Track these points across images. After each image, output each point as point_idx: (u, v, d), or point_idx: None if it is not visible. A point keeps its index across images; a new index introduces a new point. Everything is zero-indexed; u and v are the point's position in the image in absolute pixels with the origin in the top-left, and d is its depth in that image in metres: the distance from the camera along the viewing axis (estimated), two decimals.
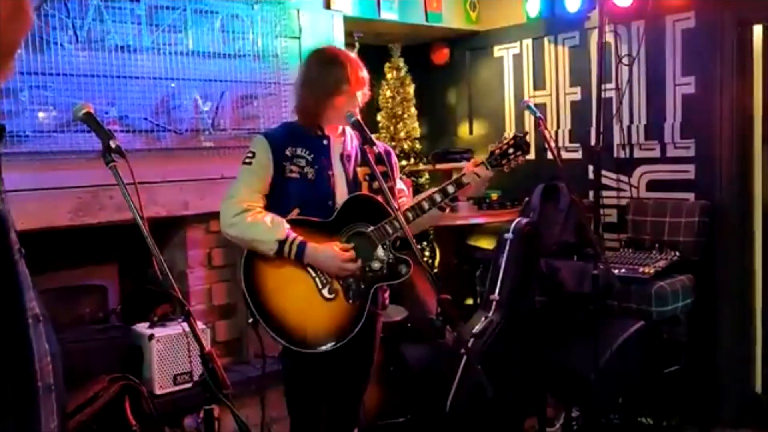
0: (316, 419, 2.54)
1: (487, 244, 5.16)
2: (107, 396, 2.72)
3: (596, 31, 4.37)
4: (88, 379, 2.92)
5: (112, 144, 1.90)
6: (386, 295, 2.61)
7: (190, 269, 3.68)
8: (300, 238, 2.34)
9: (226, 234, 2.42)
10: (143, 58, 3.39)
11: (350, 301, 2.39)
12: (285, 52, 3.91)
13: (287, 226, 2.36)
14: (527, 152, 2.59)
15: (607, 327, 3.52)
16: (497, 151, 2.55)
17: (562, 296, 3.75)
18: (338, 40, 4.28)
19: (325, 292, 2.39)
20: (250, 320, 2.36)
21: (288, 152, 2.44)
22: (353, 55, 2.54)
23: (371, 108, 5.27)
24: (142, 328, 3.37)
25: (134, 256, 3.53)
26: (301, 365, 2.46)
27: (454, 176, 2.58)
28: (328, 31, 4.22)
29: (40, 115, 3.11)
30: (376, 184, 2.47)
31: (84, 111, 1.97)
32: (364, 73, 2.49)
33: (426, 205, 2.46)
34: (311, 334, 2.36)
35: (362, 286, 2.41)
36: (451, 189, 2.49)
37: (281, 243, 2.32)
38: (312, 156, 2.46)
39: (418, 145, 5.41)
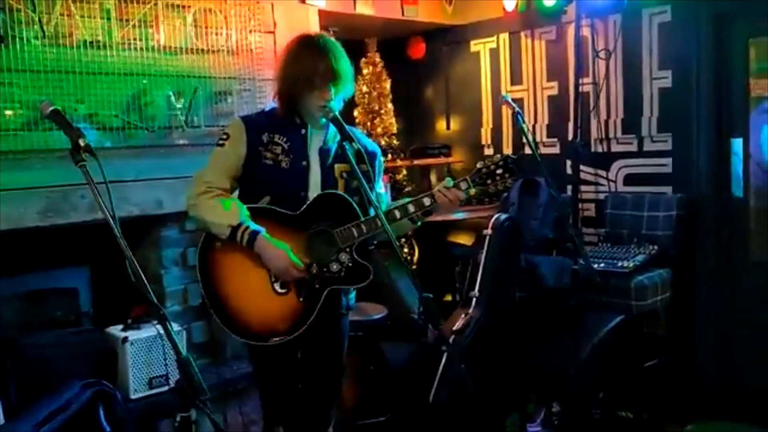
0: (285, 404, 2.54)
1: (466, 240, 5.14)
2: (80, 402, 2.64)
3: (573, 26, 4.37)
4: (60, 384, 2.83)
5: (81, 142, 1.82)
6: (349, 296, 2.56)
7: (164, 270, 3.61)
8: (254, 228, 2.28)
9: (190, 214, 2.40)
10: (113, 53, 3.30)
11: (301, 299, 2.34)
12: (259, 47, 3.84)
13: (246, 213, 2.31)
14: (514, 176, 2.44)
15: (587, 321, 3.52)
16: (484, 170, 2.42)
17: (541, 291, 3.74)
18: None
19: (277, 286, 2.34)
20: (199, 302, 2.35)
21: (264, 138, 2.38)
22: (337, 47, 2.41)
23: (347, 103, 5.22)
24: (116, 330, 3.29)
25: (107, 258, 3.44)
26: (264, 352, 2.42)
27: (433, 188, 2.47)
28: (302, 26, 4.15)
29: (6, 113, 3.01)
30: (354, 183, 2.39)
31: (51, 108, 1.90)
32: (343, 67, 2.37)
33: (398, 214, 2.37)
34: (258, 326, 2.34)
35: (316, 286, 2.35)
36: (426, 202, 2.39)
37: (234, 228, 2.26)
38: (288, 144, 2.40)
39: (395, 141, 5.36)
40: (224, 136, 2.40)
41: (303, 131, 2.43)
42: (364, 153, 2.34)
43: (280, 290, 2.34)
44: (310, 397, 2.58)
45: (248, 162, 2.38)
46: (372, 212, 2.33)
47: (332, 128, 2.43)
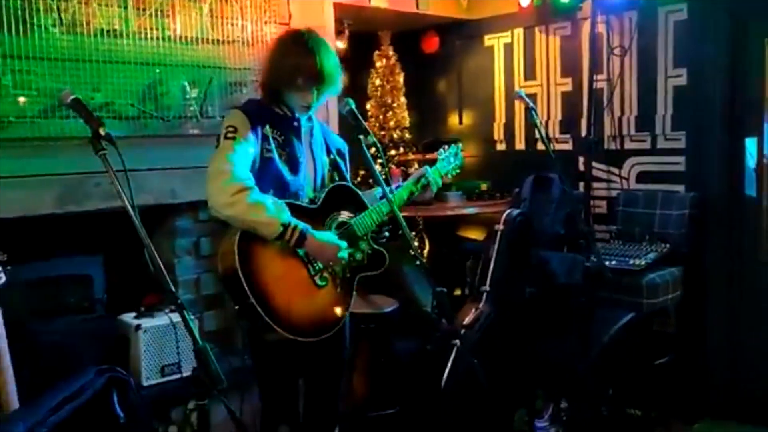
0: (287, 405, 2.53)
1: (477, 234, 5.14)
2: (94, 388, 2.66)
3: (588, 22, 4.36)
4: (73, 371, 2.85)
5: (102, 131, 1.84)
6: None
7: (177, 258, 3.63)
8: (302, 225, 2.24)
9: (220, 214, 2.21)
10: (129, 42, 3.31)
11: (338, 290, 2.39)
12: (274, 39, 3.83)
13: (287, 214, 2.24)
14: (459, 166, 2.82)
15: (597, 318, 3.51)
16: (444, 152, 2.76)
17: (552, 287, 3.74)
18: (328, 27, 4.22)
19: (317, 279, 2.35)
20: (237, 306, 2.23)
21: (266, 131, 2.34)
22: (325, 46, 2.36)
23: (361, 96, 5.23)
24: (129, 318, 3.32)
25: (120, 245, 3.46)
26: (269, 348, 2.38)
27: (415, 175, 2.67)
28: (317, 18, 4.15)
29: (23, 99, 3.02)
30: (335, 175, 2.54)
31: (72, 97, 1.91)
32: (328, 69, 2.32)
33: (389, 197, 2.41)
34: (307, 321, 2.30)
35: (347, 275, 2.43)
36: (414, 189, 2.60)
37: (285, 227, 2.20)
38: (283, 138, 2.38)
39: (407, 135, 5.37)
40: (231, 129, 2.27)
41: (296, 124, 2.43)
42: (342, 150, 2.56)
43: (320, 283, 2.35)
44: (316, 393, 2.60)
45: (255, 157, 2.32)
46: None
47: (315, 120, 2.53)
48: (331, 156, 2.56)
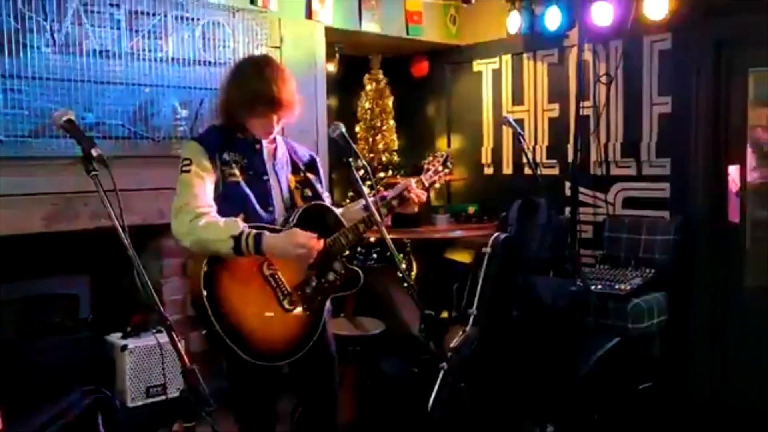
0: (263, 429, 2.52)
1: (463, 257, 5.16)
2: (79, 409, 2.65)
3: (575, 49, 4.44)
4: (59, 390, 2.84)
5: (94, 152, 1.85)
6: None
7: (164, 279, 3.62)
8: (255, 231, 2.24)
9: (184, 244, 2.27)
10: (122, 63, 3.34)
11: (308, 313, 2.38)
12: None
13: (242, 224, 2.26)
14: (451, 171, 2.80)
15: (583, 343, 3.54)
16: (431, 168, 2.74)
17: (538, 312, 3.76)
18: (319, 51, 4.27)
19: (285, 303, 2.34)
20: (204, 331, 2.25)
21: (226, 156, 2.36)
22: (283, 73, 2.40)
23: (350, 119, 5.27)
24: (115, 338, 3.31)
25: (107, 265, 3.46)
26: (246, 370, 2.36)
27: (397, 188, 2.63)
28: (309, 41, 4.20)
29: (12, 119, 3.03)
30: (307, 192, 2.51)
31: (65, 118, 1.92)
32: (286, 95, 2.36)
33: (361, 227, 2.45)
34: (274, 345, 2.31)
35: (318, 298, 2.41)
36: (395, 203, 2.57)
37: (236, 238, 2.20)
38: (246, 161, 2.40)
39: (396, 158, 5.40)
40: (186, 161, 2.32)
41: (257, 146, 2.44)
42: (311, 162, 2.56)
43: (288, 307, 2.34)
44: (311, 412, 2.59)
45: (217, 182, 2.34)
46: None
47: (279, 140, 2.53)
48: (301, 174, 2.54)
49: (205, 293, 2.20)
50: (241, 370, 2.38)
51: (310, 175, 2.55)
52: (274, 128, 2.41)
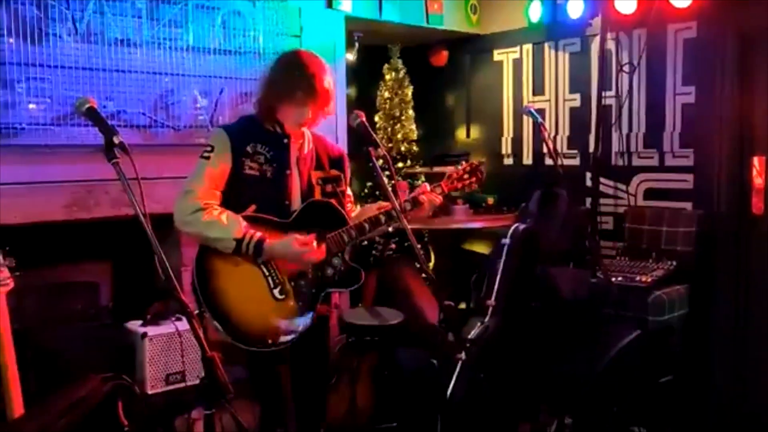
0: (282, 406, 2.58)
1: (482, 248, 5.14)
2: (100, 395, 2.67)
3: (597, 38, 4.38)
4: (79, 377, 2.87)
5: (116, 140, 1.86)
6: (337, 295, 2.69)
7: (184, 267, 3.63)
8: (258, 236, 2.32)
9: (181, 230, 2.39)
10: (143, 52, 3.35)
11: (299, 304, 2.42)
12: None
13: (244, 223, 2.34)
14: (481, 181, 2.72)
15: (603, 335, 3.50)
16: (455, 176, 2.69)
17: (557, 303, 3.73)
18: (339, 40, 4.25)
19: (276, 292, 2.40)
20: (197, 311, 2.32)
21: (249, 148, 2.43)
22: (324, 67, 2.49)
23: (369, 109, 5.25)
24: (135, 326, 3.33)
25: (128, 253, 3.48)
26: (262, 364, 2.49)
27: (414, 192, 2.63)
28: (329, 30, 4.19)
29: (35, 107, 3.06)
30: (328, 188, 2.55)
31: (87, 106, 1.93)
32: (326, 88, 2.45)
33: (383, 218, 2.49)
34: (260, 332, 2.35)
35: (312, 291, 2.45)
36: (407, 206, 2.55)
37: (239, 242, 2.30)
38: (271, 153, 2.46)
39: (415, 147, 5.39)
40: (209, 149, 2.41)
41: (285, 140, 2.50)
42: (338, 159, 2.59)
43: (279, 296, 2.39)
44: (301, 392, 2.63)
45: (234, 172, 2.41)
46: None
47: (307, 136, 2.57)
48: (325, 170, 2.59)
49: (196, 278, 2.33)
50: (257, 357, 2.44)
51: (335, 172, 2.59)
52: (307, 119, 2.46)
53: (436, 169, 5.26)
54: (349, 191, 2.69)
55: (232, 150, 2.40)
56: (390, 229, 2.58)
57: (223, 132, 2.44)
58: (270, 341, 2.36)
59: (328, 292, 2.49)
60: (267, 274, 2.39)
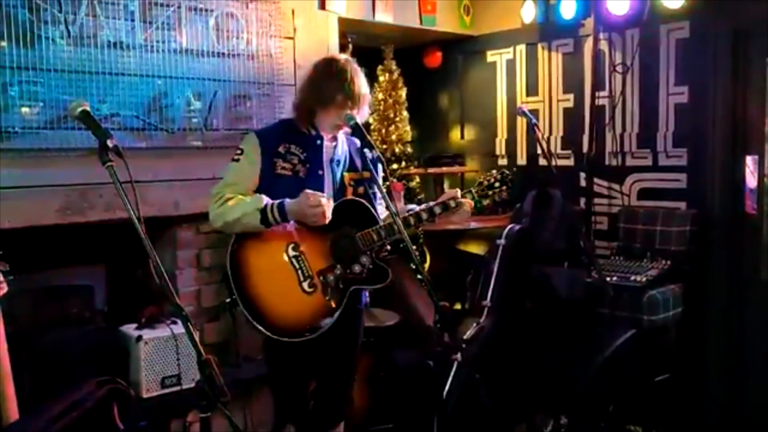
0: (297, 403, 2.64)
1: (477, 249, 5.15)
2: (95, 399, 2.66)
3: (590, 39, 4.39)
4: (74, 381, 2.85)
5: (110, 143, 1.85)
6: (367, 293, 2.71)
7: (179, 270, 3.63)
8: (277, 201, 2.40)
9: (217, 226, 2.48)
10: (135, 55, 3.33)
11: (327, 298, 2.47)
12: (279, 53, 3.87)
13: (266, 198, 2.42)
14: (510, 189, 2.74)
15: (598, 334, 3.51)
16: (485, 183, 2.71)
17: (552, 303, 3.74)
18: (332, 41, 4.25)
19: (305, 285, 2.46)
20: (228, 300, 2.43)
21: (281, 149, 2.51)
22: (361, 75, 2.59)
23: None
24: (130, 329, 3.32)
25: (122, 257, 3.47)
26: (281, 351, 2.54)
27: (442, 197, 2.64)
28: (322, 32, 4.18)
29: (28, 110, 3.04)
30: (360, 189, 2.62)
31: (80, 109, 1.92)
32: (363, 94, 2.55)
33: (412, 220, 2.56)
34: (287, 323, 2.43)
35: (341, 286, 2.50)
36: (437, 210, 2.58)
37: (263, 211, 2.38)
38: (305, 155, 2.54)
39: (409, 149, 5.39)
40: (239, 152, 2.53)
41: (318, 142, 2.57)
42: (378, 160, 2.58)
43: (308, 289, 2.45)
44: (325, 391, 2.68)
45: (265, 172, 2.50)
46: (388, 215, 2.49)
47: (340, 139, 2.63)
48: (358, 172, 2.64)
49: (229, 268, 2.42)
50: (276, 351, 2.54)
51: (367, 174, 2.63)
52: (343, 122, 2.52)
53: (431, 170, 5.27)
54: (379, 194, 2.67)
55: (262, 152, 2.49)
56: (419, 230, 2.60)
57: (253, 135, 2.55)
58: (299, 332, 2.42)
59: (356, 289, 2.53)
60: (297, 267, 2.46)
